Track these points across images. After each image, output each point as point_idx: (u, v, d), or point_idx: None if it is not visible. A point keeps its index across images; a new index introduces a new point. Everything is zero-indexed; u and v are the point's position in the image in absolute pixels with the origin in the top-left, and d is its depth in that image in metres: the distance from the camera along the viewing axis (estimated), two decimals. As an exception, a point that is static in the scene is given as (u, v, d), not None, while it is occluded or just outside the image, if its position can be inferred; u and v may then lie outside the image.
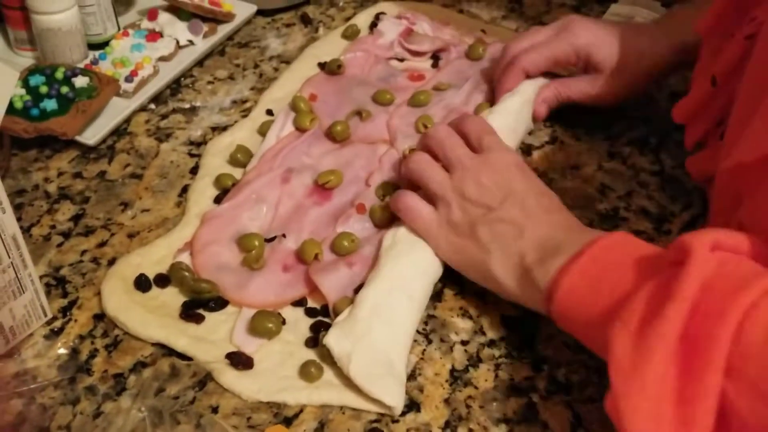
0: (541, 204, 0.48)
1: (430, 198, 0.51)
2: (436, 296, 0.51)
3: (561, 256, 0.43)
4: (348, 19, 0.79)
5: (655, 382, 0.34)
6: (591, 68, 0.61)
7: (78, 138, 0.62)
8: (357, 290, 0.50)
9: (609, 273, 0.41)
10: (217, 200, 0.57)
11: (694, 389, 0.33)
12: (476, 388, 0.47)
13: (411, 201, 0.51)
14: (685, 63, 0.59)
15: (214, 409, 0.45)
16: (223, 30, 0.75)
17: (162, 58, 0.70)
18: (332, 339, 0.46)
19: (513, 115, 0.61)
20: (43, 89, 0.62)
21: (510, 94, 0.62)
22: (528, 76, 0.63)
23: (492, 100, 0.65)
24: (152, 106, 0.67)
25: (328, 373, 0.46)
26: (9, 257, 0.44)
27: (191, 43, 0.73)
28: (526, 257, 0.45)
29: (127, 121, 0.66)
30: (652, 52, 0.60)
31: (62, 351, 0.48)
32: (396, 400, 0.45)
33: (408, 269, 0.49)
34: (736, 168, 0.40)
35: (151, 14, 0.74)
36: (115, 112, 0.65)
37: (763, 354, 0.32)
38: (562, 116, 0.66)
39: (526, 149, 0.63)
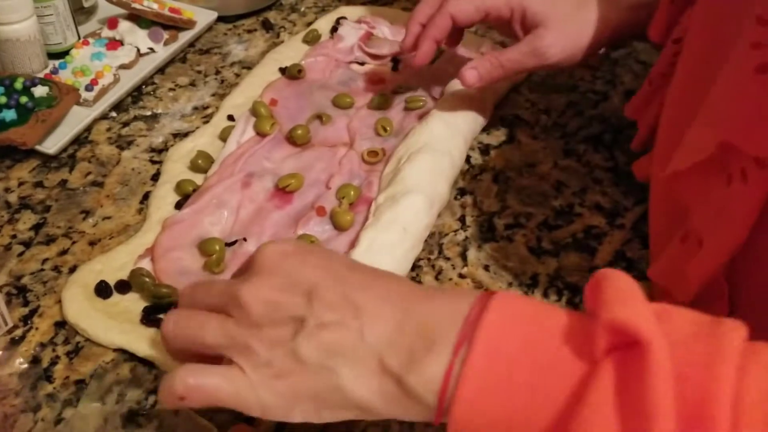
0: (355, 280, 0.36)
1: (217, 358, 0.37)
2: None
3: (437, 351, 0.33)
4: (309, 24, 0.80)
5: None
6: (528, 24, 0.55)
7: (38, 147, 0.62)
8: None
9: (521, 367, 0.31)
10: (178, 206, 0.58)
11: None
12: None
13: (194, 378, 0.36)
14: (635, 24, 0.54)
15: (176, 412, 0.45)
16: (184, 37, 0.75)
17: (123, 66, 0.71)
18: None
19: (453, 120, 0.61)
20: (2, 100, 0.63)
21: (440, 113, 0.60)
22: (455, 25, 0.56)
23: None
24: (113, 114, 0.68)
25: (289, 373, 0.47)
26: (-34, 267, 0.45)
27: (152, 50, 0.73)
28: (386, 359, 0.34)
29: (88, 129, 0.66)
30: (599, 4, 0.54)
31: (23, 359, 0.48)
32: None
33: None
34: (674, 176, 0.39)
35: (112, 23, 0.74)
36: (76, 120, 0.65)
37: None
38: (519, 116, 0.67)
39: (483, 148, 0.64)
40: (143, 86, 0.71)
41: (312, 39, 0.76)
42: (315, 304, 0.35)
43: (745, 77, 0.33)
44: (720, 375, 0.28)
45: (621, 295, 0.31)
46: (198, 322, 0.37)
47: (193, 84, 0.72)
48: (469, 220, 0.59)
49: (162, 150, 0.64)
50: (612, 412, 0.28)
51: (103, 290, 0.51)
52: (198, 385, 0.36)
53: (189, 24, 0.76)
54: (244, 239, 0.55)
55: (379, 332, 0.34)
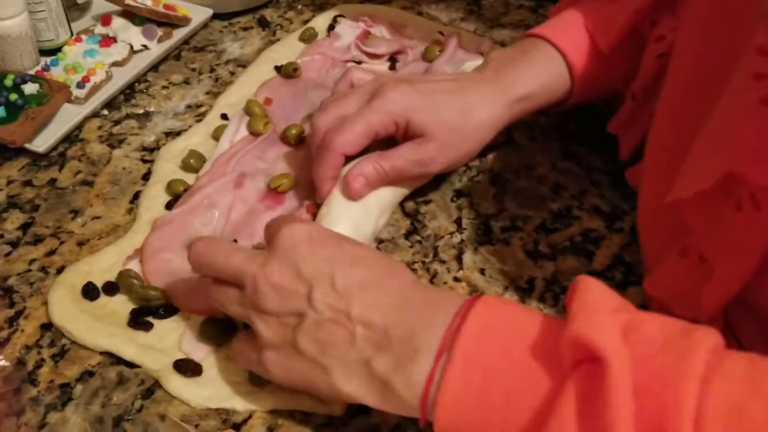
0: (355, 276, 0.39)
1: None
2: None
3: (420, 358, 0.35)
4: (306, 22, 0.78)
5: None
6: (412, 134, 0.53)
7: (28, 145, 0.61)
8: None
9: (496, 377, 0.33)
10: (169, 206, 0.57)
11: None
12: (427, 389, 0.46)
13: (238, 344, 0.44)
14: (528, 112, 0.56)
15: (162, 417, 0.44)
16: (179, 34, 0.74)
17: (115, 64, 0.69)
18: None
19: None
20: (-8, 97, 0.62)
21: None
22: (348, 158, 0.53)
23: None
24: (105, 112, 0.67)
25: (278, 378, 0.46)
26: (-52, 268, 0.44)
27: (145, 47, 0.72)
28: (374, 364, 0.37)
29: (79, 127, 0.65)
30: (483, 108, 0.53)
31: (7, 362, 0.47)
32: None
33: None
34: (676, 203, 0.38)
35: (105, 20, 0.73)
36: (67, 118, 0.64)
37: None
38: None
39: (481, 151, 0.63)
40: (136, 84, 0.70)
41: (308, 37, 0.75)
42: (314, 301, 0.38)
43: (749, 109, 0.33)
44: (683, 389, 0.29)
45: (588, 308, 0.32)
46: (224, 294, 0.42)
47: (186, 82, 0.71)
48: (465, 222, 0.57)
49: (154, 149, 0.63)
50: (575, 427, 0.30)
51: (90, 292, 0.50)
52: (238, 349, 0.44)
53: (184, 21, 0.75)
54: (235, 241, 0.54)
55: (369, 337, 0.37)
